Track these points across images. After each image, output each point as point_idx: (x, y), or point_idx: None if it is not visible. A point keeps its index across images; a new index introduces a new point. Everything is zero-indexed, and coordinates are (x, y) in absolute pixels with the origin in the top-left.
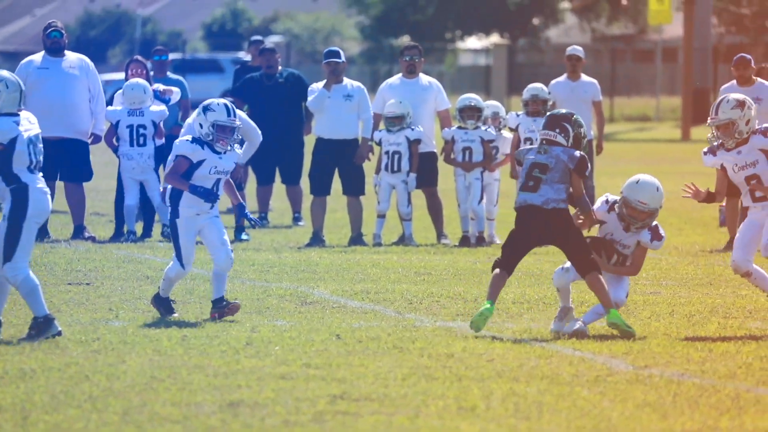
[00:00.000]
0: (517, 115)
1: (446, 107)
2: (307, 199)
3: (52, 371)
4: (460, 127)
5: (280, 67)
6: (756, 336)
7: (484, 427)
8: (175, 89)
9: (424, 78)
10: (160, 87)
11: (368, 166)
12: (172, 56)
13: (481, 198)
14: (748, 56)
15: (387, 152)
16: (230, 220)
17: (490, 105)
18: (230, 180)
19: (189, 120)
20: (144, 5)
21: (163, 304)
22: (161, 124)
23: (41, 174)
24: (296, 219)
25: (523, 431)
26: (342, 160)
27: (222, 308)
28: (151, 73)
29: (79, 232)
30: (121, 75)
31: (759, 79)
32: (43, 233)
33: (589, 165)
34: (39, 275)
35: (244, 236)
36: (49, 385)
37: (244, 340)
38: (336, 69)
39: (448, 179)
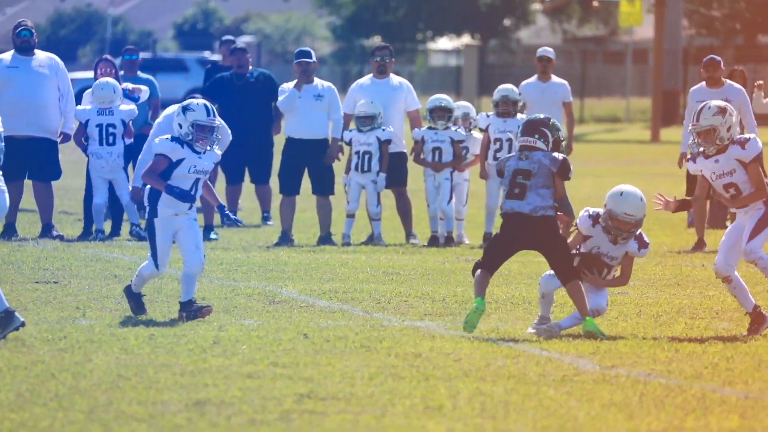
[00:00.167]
0: (488, 116)
1: (416, 107)
2: (276, 199)
3: (18, 369)
4: (430, 128)
5: (251, 67)
6: (722, 336)
7: (451, 427)
8: (144, 87)
9: (394, 78)
10: (129, 85)
11: (338, 166)
12: (142, 55)
13: (451, 198)
14: (718, 58)
15: (357, 152)
16: (200, 220)
17: (461, 106)
18: (208, 182)
19: (159, 119)
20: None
21: (134, 298)
22: (131, 124)
23: (0, 173)
24: (265, 218)
25: (490, 430)
26: (312, 159)
27: (192, 311)
28: (121, 72)
29: (47, 230)
30: (89, 74)
31: (728, 81)
32: (11, 231)
33: (571, 167)
34: (6, 273)
35: (212, 235)
36: (14, 384)
37: (212, 339)
38: (307, 69)
39: (417, 179)
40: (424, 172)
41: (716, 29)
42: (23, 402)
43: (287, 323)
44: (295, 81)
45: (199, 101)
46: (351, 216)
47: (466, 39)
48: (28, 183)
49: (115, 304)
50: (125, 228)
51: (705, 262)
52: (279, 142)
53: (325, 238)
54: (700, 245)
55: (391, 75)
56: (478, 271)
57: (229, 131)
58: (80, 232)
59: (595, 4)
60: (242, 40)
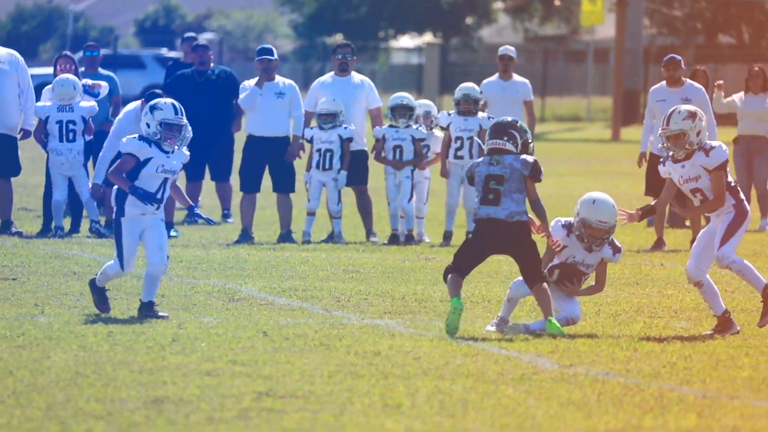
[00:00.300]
0: (449, 114)
1: (377, 105)
2: (237, 196)
3: None
4: (391, 126)
5: (212, 64)
6: (681, 336)
7: (409, 425)
8: (104, 83)
9: (356, 76)
10: (89, 81)
11: (298, 164)
12: (102, 52)
13: (411, 196)
14: (678, 57)
15: (319, 150)
16: None
17: (422, 104)
18: (177, 183)
19: (120, 116)
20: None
21: (97, 291)
22: (91, 120)
23: None
24: (225, 216)
25: (448, 429)
26: (272, 157)
27: (152, 315)
28: (81, 68)
29: (6, 227)
30: (48, 69)
31: (688, 81)
32: None
33: (542, 168)
34: None
35: (172, 233)
36: None
37: (171, 337)
38: (268, 66)
39: (378, 177)
40: (385, 171)
41: (677, 29)
42: None
43: (247, 321)
44: (257, 78)
45: (167, 100)
46: (311, 214)
47: (427, 37)
48: None
49: (74, 301)
50: (85, 225)
51: (664, 261)
52: (240, 139)
53: (286, 236)
54: (659, 244)
55: (353, 73)
56: (450, 275)
57: (190, 128)
58: (39, 228)
59: (557, 2)
60: (204, 37)
